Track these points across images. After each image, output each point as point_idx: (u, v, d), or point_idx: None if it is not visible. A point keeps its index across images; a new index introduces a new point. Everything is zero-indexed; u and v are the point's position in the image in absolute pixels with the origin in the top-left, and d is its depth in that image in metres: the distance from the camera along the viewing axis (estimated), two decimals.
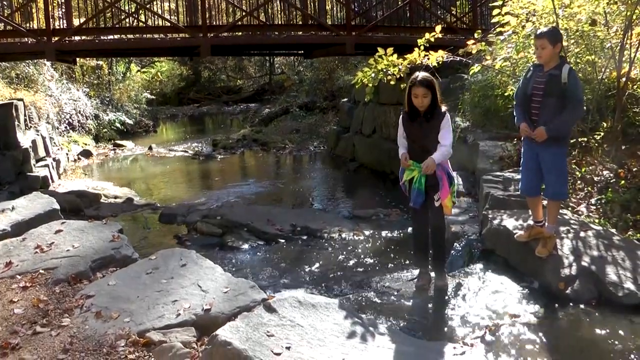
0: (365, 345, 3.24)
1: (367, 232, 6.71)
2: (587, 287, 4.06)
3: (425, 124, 4.33)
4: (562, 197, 4.46)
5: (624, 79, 5.75)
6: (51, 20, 9.13)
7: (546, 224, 4.42)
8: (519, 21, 5.98)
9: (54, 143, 12.72)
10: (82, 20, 9.89)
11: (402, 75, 6.10)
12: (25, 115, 10.94)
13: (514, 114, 4.48)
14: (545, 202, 4.52)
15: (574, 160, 5.91)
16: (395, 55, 6.01)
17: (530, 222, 4.63)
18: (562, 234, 4.58)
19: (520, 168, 4.61)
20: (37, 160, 10.44)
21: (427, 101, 4.25)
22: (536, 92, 4.20)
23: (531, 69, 4.35)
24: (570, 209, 5.22)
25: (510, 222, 4.90)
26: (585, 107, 4.47)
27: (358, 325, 3.42)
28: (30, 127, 11.24)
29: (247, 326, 3.22)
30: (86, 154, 14.55)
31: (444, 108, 4.36)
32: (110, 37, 9.86)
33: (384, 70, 6.07)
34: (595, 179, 5.64)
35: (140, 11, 9.85)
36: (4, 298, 4.07)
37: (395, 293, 4.57)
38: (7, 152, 9.48)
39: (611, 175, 5.59)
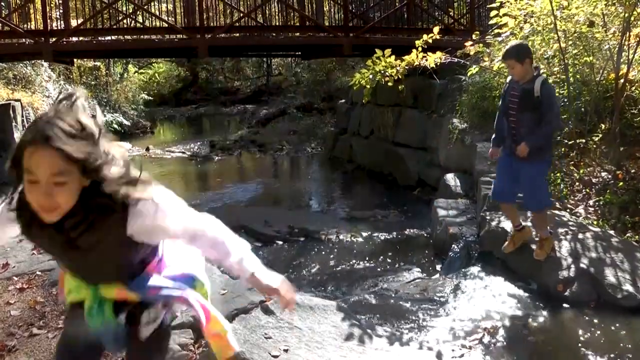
0: (363, 347, 3.23)
1: (364, 234, 6.69)
2: (585, 289, 4.05)
3: None
4: (545, 207, 4.39)
5: (622, 81, 5.75)
6: (49, 21, 9.11)
7: (532, 230, 4.38)
8: (517, 22, 5.99)
9: None
10: (80, 21, 9.86)
11: (399, 76, 6.10)
12: (22, 116, 10.90)
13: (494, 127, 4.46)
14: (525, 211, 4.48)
15: (572, 162, 5.91)
16: (393, 57, 6.01)
17: (509, 229, 4.58)
18: (560, 235, 4.57)
19: (496, 173, 4.57)
20: None
21: None
22: (512, 106, 4.17)
23: (507, 83, 4.33)
24: (568, 210, 5.21)
25: (508, 224, 4.88)
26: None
27: (356, 328, 3.41)
28: None
29: (244, 328, 3.21)
30: None
31: None
32: (108, 38, 9.83)
33: (382, 71, 6.06)
34: (594, 180, 5.64)
35: (138, 12, 9.84)
36: (0, 300, 4.04)
37: (393, 295, 4.56)
38: (4, 153, 9.45)
39: (609, 176, 5.58)
